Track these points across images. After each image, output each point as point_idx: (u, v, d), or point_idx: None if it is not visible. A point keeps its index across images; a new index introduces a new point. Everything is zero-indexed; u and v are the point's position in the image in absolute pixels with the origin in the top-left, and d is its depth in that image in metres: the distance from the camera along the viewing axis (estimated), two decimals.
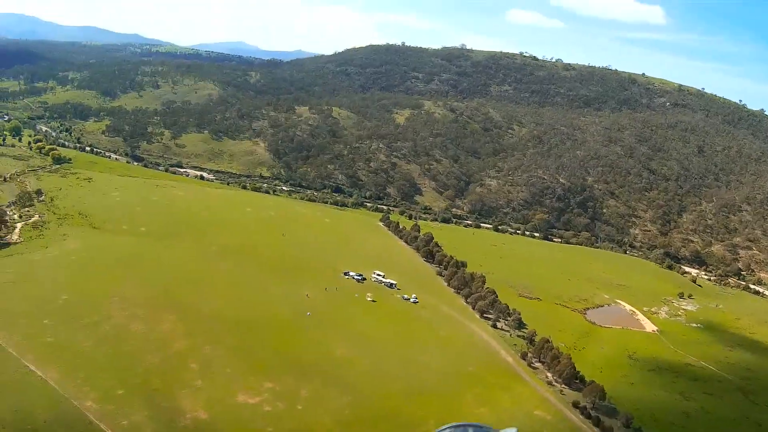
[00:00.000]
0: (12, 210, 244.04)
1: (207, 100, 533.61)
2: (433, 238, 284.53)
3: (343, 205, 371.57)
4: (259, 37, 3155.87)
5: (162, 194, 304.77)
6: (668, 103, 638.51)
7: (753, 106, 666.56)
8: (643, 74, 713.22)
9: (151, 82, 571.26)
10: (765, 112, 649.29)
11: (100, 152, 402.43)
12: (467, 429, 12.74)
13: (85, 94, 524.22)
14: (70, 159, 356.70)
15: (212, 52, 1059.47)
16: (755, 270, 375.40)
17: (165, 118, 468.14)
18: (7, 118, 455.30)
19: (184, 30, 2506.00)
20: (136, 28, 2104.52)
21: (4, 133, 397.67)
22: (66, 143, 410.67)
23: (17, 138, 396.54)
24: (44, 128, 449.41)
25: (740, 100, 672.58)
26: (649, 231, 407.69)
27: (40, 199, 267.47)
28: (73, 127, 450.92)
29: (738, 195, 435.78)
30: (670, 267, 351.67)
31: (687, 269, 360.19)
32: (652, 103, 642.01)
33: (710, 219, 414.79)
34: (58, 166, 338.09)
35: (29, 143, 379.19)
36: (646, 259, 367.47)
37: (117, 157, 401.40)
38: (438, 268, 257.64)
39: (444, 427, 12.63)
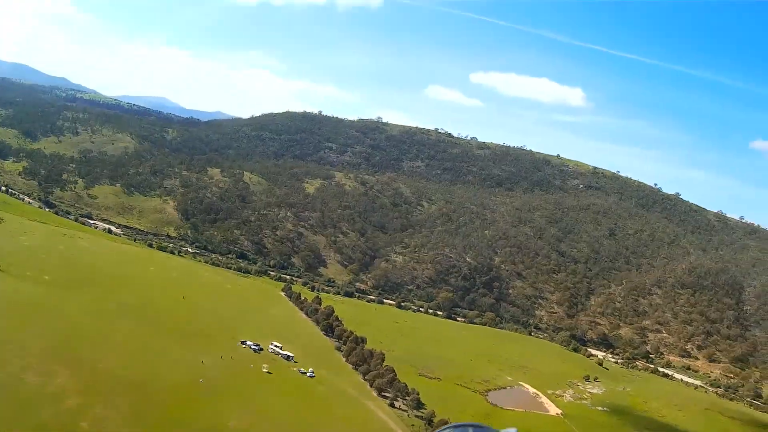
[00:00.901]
0: None
1: (123, 153, 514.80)
2: (333, 311, 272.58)
3: (247, 272, 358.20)
4: (181, 95, 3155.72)
5: (69, 244, 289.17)
6: (581, 185, 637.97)
7: (668, 189, 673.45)
8: (558, 156, 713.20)
9: (71, 128, 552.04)
10: (680, 196, 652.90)
11: (15, 194, 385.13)
12: (467, 429, 12.98)
13: (7, 132, 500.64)
14: None
15: (134, 104, 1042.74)
16: (664, 353, 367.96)
17: (80, 166, 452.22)
18: None
19: (110, 80, 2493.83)
20: (65, 72, 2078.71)
21: None
22: None
23: None
24: None
25: (655, 184, 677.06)
26: (556, 313, 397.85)
27: None
28: None
29: (648, 278, 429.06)
30: (575, 349, 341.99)
31: (594, 352, 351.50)
32: (565, 185, 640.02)
33: (619, 302, 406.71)
34: None
35: None
36: (551, 341, 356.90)
37: (30, 201, 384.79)
38: (337, 343, 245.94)
39: (444, 427, 12.91)
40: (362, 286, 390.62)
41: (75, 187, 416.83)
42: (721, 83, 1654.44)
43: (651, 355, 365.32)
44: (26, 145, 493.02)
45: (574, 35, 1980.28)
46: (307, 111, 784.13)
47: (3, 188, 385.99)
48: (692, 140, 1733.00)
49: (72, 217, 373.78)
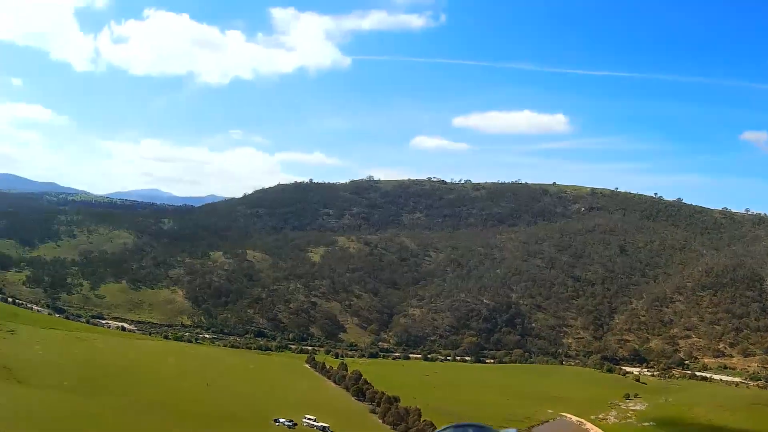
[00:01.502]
0: None
1: (123, 249, 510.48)
2: (361, 375, 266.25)
3: (267, 349, 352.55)
4: (172, 184, 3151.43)
5: (85, 347, 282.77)
6: (583, 209, 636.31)
7: (669, 197, 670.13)
8: (554, 183, 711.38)
9: (67, 231, 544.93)
10: (683, 201, 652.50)
11: (22, 304, 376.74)
12: (467, 429, 12.77)
13: (5, 244, 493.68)
14: None
15: (126, 200, 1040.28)
16: (698, 357, 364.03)
17: (83, 268, 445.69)
18: None
19: (99, 179, 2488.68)
20: (52, 176, 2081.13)
21: None
22: None
23: None
24: None
25: (656, 194, 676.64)
26: (583, 338, 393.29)
27: None
28: None
29: (668, 287, 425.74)
30: (610, 370, 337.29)
31: (628, 369, 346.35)
32: (567, 211, 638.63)
33: (643, 315, 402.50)
34: None
35: None
36: (584, 366, 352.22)
37: (39, 309, 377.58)
38: (371, 406, 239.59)
39: (444, 427, 12.70)
40: (385, 345, 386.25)
41: (81, 290, 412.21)
42: (699, 84, 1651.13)
43: (685, 362, 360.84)
44: (26, 253, 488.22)
45: (545, 63, 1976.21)
46: (298, 181, 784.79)
47: (9, 299, 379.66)
48: (682, 145, 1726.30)
49: (83, 319, 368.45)
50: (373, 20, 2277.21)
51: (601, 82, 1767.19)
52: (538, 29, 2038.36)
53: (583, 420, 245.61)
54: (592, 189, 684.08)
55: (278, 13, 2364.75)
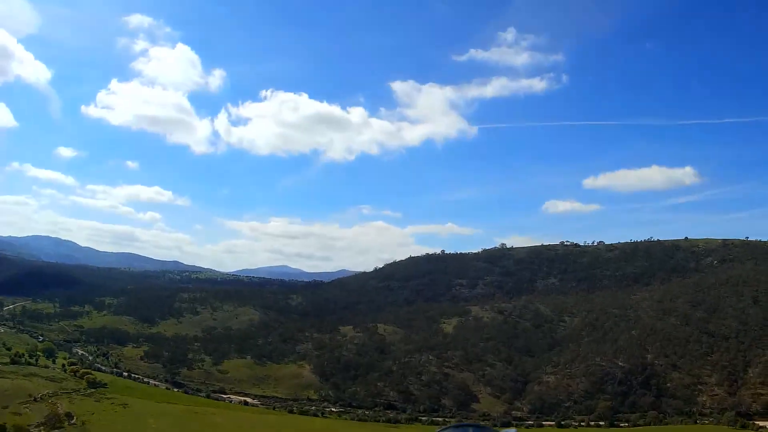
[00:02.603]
0: (40, 431, 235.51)
1: (248, 325, 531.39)
2: None
3: (396, 421, 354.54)
4: (302, 261, 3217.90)
5: (201, 421, 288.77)
6: (715, 261, 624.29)
7: None
8: (686, 238, 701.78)
9: (189, 309, 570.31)
10: None
11: (138, 378, 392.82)
12: (467, 429, 14.73)
13: (122, 320, 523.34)
14: (105, 383, 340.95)
15: (253, 277, 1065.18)
16: None
17: (205, 344, 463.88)
18: (41, 339, 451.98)
19: (225, 257, 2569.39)
20: (175, 255, 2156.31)
21: (38, 353, 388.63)
22: (102, 368, 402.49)
23: (51, 360, 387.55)
24: (80, 351, 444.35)
25: None
26: (717, 395, 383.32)
27: (71, 422, 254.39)
28: (110, 352, 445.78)
29: None
30: (743, 426, 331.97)
31: (762, 423, 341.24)
32: (699, 265, 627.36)
33: None
34: (92, 390, 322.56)
35: (63, 365, 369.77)
36: (717, 424, 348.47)
37: (156, 383, 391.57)
38: None
39: (445, 427, 14.48)
40: (518, 414, 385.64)
41: (203, 365, 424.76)
42: None
43: None
44: (144, 330, 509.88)
45: (670, 116, 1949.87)
46: (430, 252, 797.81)
47: (125, 374, 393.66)
48: None
49: (203, 394, 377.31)
50: (495, 87, 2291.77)
51: (724, 129, 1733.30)
52: (657, 82, 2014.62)
53: None
54: (724, 240, 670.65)
55: (398, 87, 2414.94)
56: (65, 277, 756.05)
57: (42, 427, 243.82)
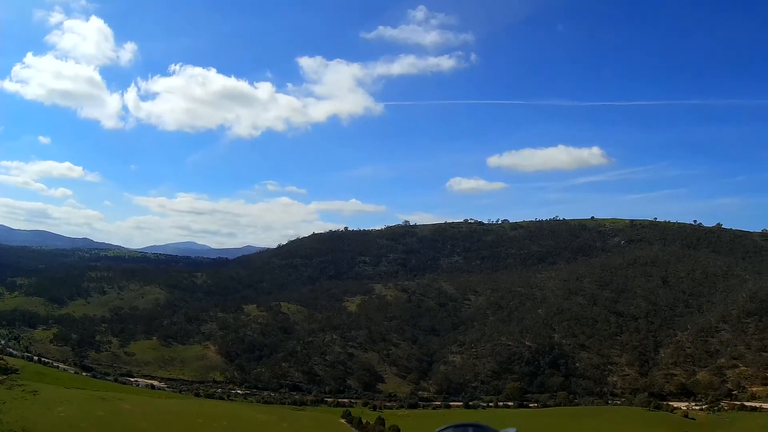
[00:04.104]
0: None
1: (154, 305, 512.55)
2: (399, 430, 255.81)
3: (302, 403, 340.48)
4: (208, 237, 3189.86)
5: (109, 408, 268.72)
6: (623, 242, 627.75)
7: (709, 222, 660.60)
8: (593, 218, 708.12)
9: (97, 288, 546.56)
10: (722, 226, 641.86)
11: (49, 362, 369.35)
12: (467, 429, 14.18)
13: (33, 301, 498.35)
14: (17, 369, 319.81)
15: (161, 254, 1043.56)
16: (746, 386, 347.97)
17: (112, 325, 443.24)
18: None
19: (133, 234, 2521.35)
20: (86, 233, 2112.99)
21: None
22: (14, 352, 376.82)
23: None
24: None
25: (695, 221, 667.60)
26: (628, 375, 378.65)
27: None
28: (21, 336, 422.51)
29: (713, 316, 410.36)
30: (657, 407, 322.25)
31: (676, 404, 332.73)
32: (606, 245, 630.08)
33: (689, 348, 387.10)
34: (4, 377, 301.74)
35: None
36: (630, 405, 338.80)
37: (65, 367, 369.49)
38: None
39: (444, 426, 14.20)
40: (425, 394, 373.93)
41: (110, 347, 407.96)
42: (731, 105, 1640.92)
43: (734, 392, 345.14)
44: (54, 311, 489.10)
45: (577, 97, 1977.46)
46: (333, 229, 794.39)
47: (35, 358, 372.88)
48: (719, 167, 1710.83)
49: (111, 378, 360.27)
50: (402, 65, 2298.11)
51: (633, 112, 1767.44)
52: (566, 64, 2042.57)
53: None
54: (631, 221, 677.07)
55: (306, 63, 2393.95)
56: None
57: None
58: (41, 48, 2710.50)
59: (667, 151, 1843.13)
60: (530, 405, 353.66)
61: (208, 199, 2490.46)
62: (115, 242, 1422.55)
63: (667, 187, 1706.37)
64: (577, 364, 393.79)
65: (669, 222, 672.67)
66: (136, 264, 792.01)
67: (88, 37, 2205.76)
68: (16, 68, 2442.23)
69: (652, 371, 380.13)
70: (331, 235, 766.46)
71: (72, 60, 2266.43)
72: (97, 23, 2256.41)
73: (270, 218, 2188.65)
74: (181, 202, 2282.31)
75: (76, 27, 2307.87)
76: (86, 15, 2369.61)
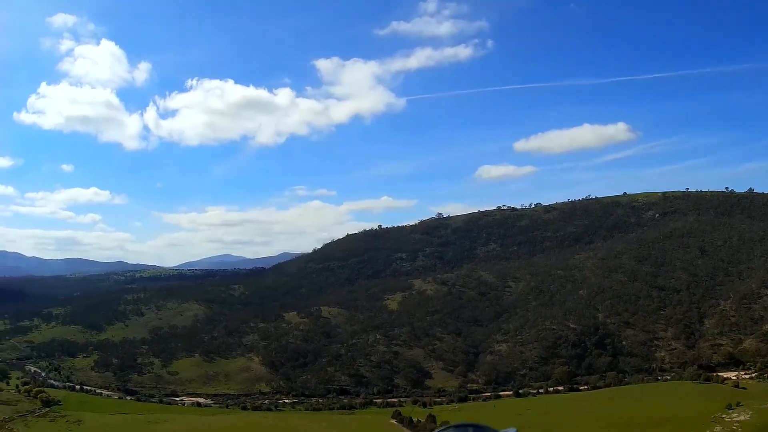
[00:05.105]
0: None
1: (193, 321, 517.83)
2: None
3: (351, 407, 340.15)
4: (243, 248, 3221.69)
5: (155, 431, 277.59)
6: (657, 215, 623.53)
7: (740, 188, 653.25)
8: (625, 193, 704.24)
9: (134, 310, 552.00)
10: (754, 191, 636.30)
11: (91, 390, 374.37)
12: (467, 429, 13.56)
13: (70, 330, 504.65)
14: (59, 400, 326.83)
15: (196, 270, 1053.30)
16: None
17: (153, 345, 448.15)
18: None
19: (167, 252, 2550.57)
20: (120, 256, 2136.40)
21: None
22: (55, 383, 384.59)
23: (5, 381, 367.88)
24: (33, 369, 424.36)
25: (726, 188, 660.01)
26: (675, 349, 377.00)
27: None
28: (61, 366, 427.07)
29: (753, 282, 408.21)
30: (707, 379, 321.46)
31: (725, 375, 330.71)
32: (641, 220, 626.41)
33: (733, 316, 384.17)
34: (47, 409, 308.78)
35: (17, 386, 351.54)
36: (680, 379, 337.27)
37: (108, 393, 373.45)
38: None
39: (444, 426, 13.66)
40: (474, 386, 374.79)
41: (152, 368, 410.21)
42: (752, 69, 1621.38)
43: None
44: (93, 337, 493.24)
45: (597, 74, 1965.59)
46: (366, 229, 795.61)
47: (77, 387, 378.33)
48: (745, 133, 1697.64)
49: (155, 399, 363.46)
50: (419, 58, 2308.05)
51: (654, 84, 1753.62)
52: (583, 42, 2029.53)
53: None
54: (663, 193, 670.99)
55: (323, 65, 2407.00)
56: (11, 291, 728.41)
57: None
58: (54, 76, 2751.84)
59: (692, 120, 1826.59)
60: (580, 388, 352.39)
61: (238, 210, 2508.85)
62: (149, 262, 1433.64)
63: (696, 156, 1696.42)
64: (624, 343, 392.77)
65: (701, 191, 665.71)
66: (172, 282, 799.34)
67: (101, 61, 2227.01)
68: (32, 99, 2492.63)
69: (698, 343, 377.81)
70: (366, 234, 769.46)
71: (87, 85, 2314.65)
72: (108, 46, 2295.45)
73: (303, 223, 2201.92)
74: (211, 215, 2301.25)
75: (87, 52, 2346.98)
76: (96, 39, 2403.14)
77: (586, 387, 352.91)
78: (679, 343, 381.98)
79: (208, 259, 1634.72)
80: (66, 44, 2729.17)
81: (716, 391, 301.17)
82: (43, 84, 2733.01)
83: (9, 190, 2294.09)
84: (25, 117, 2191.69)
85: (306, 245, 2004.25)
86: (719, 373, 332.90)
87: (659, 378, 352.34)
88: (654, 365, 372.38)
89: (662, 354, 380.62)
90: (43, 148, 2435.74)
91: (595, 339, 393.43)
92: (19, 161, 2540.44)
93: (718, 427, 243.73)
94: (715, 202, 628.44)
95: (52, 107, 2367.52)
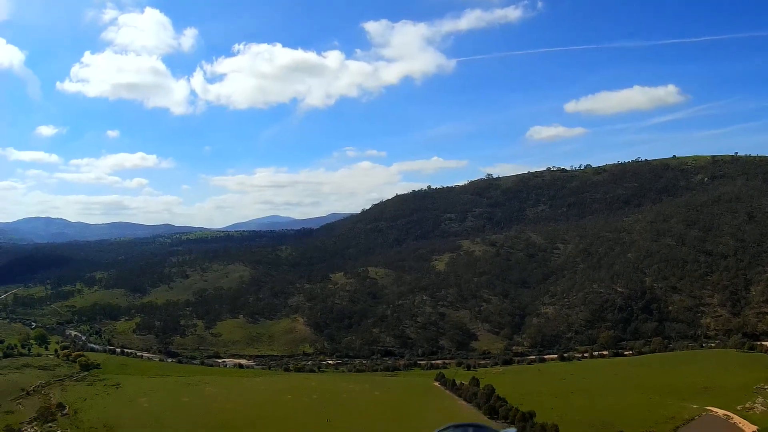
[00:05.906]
0: (33, 428, 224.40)
1: (239, 283, 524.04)
2: (494, 390, 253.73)
3: (395, 369, 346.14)
4: (292, 209, 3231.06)
5: (193, 394, 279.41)
6: (706, 179, 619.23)
7: None
8: (674, 156, 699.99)
9: (179, 273, 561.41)
10: None
11: (132, 353, 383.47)
12: (467, 429, 13.16)
13: (113, 294, 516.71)
14: (99, 364, 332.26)
15: (244, 231, 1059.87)
16: None
17: (197, 307, 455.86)
18: (33, 326, 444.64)
19: (215, 214, 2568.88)
20: (166, 219, 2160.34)
21: (30, 342, 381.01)
22: (96, 347, 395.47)
23: (44, 346, 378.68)
24: (73, 333, 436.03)
25: None
26: (721, 316, 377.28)
27: (63, 413, 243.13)
28: (103, 329, 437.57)
29: None
30: (752, 348, 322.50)
31: None
32: (690, 184, 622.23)
33: None
34: (86, 373, 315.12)
35: (56, 350, 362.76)
36: (724, 347, 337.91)
37: (150, 355, 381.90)
38: (504, 424, 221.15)
39: (444, 426, 13.03)
40: (519, 349, 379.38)
41: (195, 330, 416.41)
42: None
43: None
44: (136, 300, 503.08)
45: (648, 36, 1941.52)
46: (416, 189, 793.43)
47: (118, 350, 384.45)
48: None
49: (197, 361, 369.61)
50: (470, 20, 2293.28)
51: (705, 47, 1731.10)
52: (634, 3, 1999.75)
53: (730, 413, 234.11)
54: (713, 157, 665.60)
55: (372, 27, 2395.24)
56: (55, 257, 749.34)
57: (34, 423, 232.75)
58: (98, 46, 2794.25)
59: (742, 84, 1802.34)
60: (625, 353, 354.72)
61: (287, 172, 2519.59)
62: (196, 224, 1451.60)
63: (745, 120, 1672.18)
64: (670, 308, 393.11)
65: (750, 156, 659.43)
66: (219, 244, 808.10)
67: (146, 28, 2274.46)
68: (75, 68, 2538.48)
69: (744, 311, 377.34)
70: (415, 195, 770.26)
71: (132, 53, 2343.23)
72: (153, 14, 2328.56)
73: (352, 184, 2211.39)
74: (260, 177, 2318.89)
75: (131, 21, 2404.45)
76: (140, 7, 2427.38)
77: (630, 352, 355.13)
78: (724, 310, 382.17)
79: (257, 220, 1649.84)
80: (109, 14, 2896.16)
81: (760, 361, 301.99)
82: (87, 53, 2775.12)
83: (53, 158, 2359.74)
84: (68, 86, 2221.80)
85: (355, 206, 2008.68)
86: (764, 342, 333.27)
87: (704, 345, 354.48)
88: (699, 332, 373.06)
89: (708, 320, 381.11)
90: (88, 116, 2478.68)
91: (642, 303, 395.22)
92: (63, 129, 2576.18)
93: (759, 398, 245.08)
94: (764, 166, 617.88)
95: (96, 75, 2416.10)
